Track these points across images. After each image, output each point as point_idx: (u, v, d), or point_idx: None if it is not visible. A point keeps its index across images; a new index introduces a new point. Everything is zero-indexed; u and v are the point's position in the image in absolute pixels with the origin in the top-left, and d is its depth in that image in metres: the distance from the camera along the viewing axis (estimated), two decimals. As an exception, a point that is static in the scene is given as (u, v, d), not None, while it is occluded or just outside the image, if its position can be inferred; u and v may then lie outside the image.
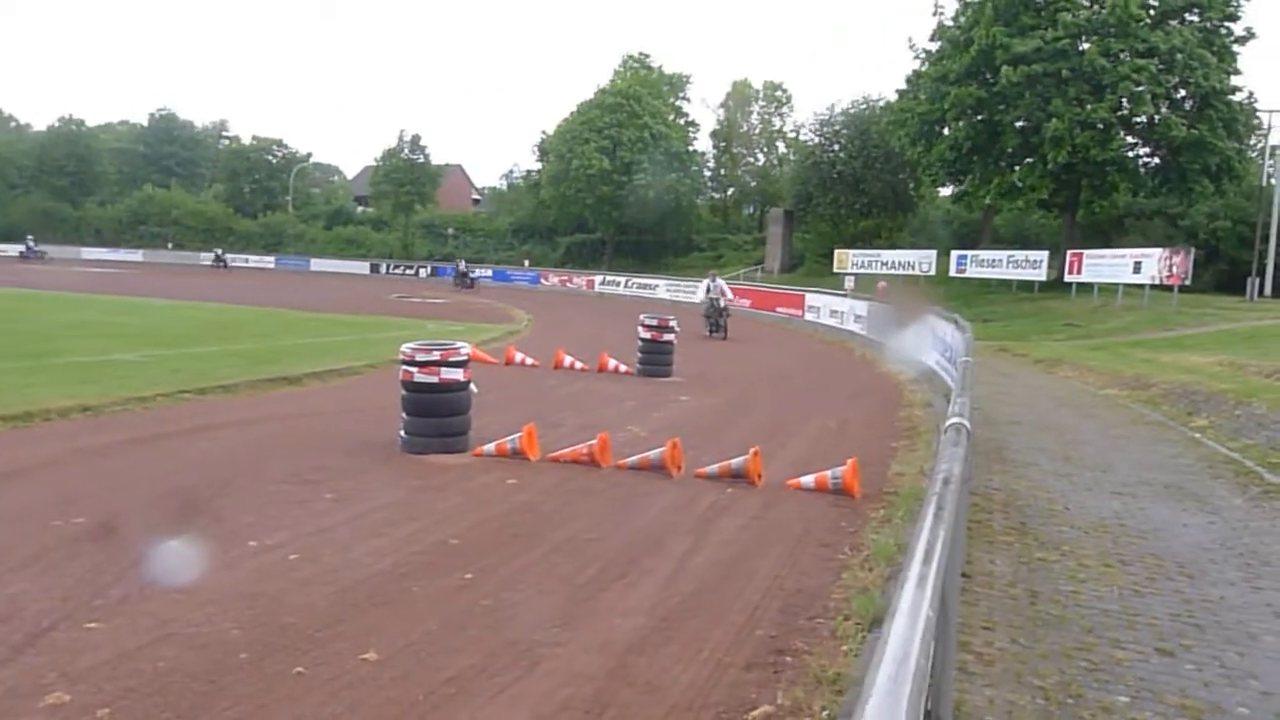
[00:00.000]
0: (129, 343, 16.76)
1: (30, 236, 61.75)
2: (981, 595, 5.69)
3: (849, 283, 37.97)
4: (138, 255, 64.35)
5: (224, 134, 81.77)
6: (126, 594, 5.16)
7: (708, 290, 25.55)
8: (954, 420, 4.45)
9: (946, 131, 39.49)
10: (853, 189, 49.13)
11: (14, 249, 60.36)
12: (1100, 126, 34.87)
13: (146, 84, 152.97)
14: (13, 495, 7.16)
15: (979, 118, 37.55)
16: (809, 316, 31.52)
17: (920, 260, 41.48)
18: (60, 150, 71.96)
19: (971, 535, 6.79)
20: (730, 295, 26.11)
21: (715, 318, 25.03)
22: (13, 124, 77.33)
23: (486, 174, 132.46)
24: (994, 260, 38.91)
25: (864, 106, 50.26)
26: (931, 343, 17.39)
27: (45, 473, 7.90)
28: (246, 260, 63.22)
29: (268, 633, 4.73)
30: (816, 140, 52.54)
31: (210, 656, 4.42)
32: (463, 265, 49.38)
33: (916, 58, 41.11)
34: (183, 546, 5.99)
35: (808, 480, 8.23)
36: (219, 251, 62.13)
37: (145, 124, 78.52)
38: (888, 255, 43.49)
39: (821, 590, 5.72)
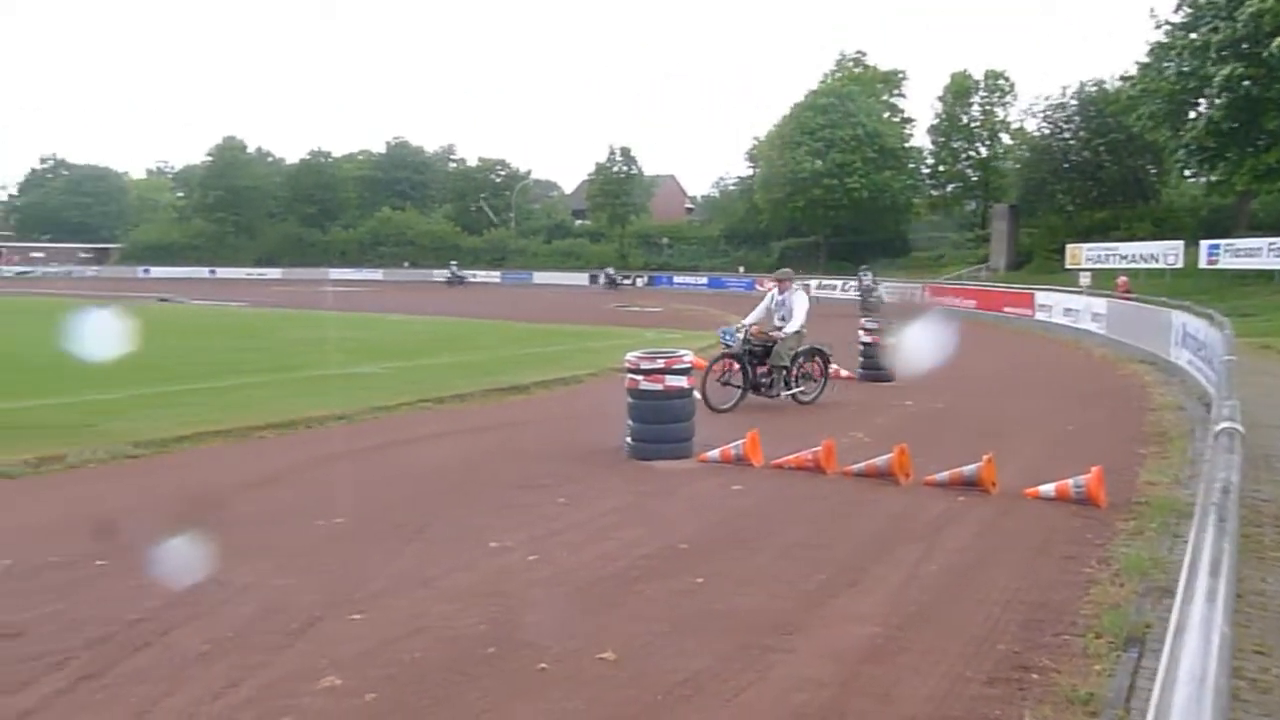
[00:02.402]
0: (369, 356, 18.04)
1: (454, 261, 65.35)
2: (1254, 616, 5.19)
3: (1084, 279, 35.67)
4: (378, 274, 69.14)
5: (451, 157, 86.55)
6: (383, 588, 5.55)
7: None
8: (1225, 425, 4.10)
9: (1200, 110, 36.16)
10: (1087, 178, 46.12)
11: (441, 273, 63.98)
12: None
13: (383, 115, 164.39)
14: (280, 497, 7.85)
15: (1240, 95, 34.18)
16: (1039, 316, 29.88)
17: (1165, 252, 38.39)
18: (309, 180, 78.44)
19: (1240, 550, 6.22)
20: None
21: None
22: (269, 159, 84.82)
23: (700, 183, 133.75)
24: (1252, 249, 35.42)
25: (1096, 89, 47.09)
26: (1181, 339, 16.11)
27: (307, 476, 8.62)
28: (474, 275, 66.34)
29: (510, 629, 4.95)
30: (1045, 128, 49.72)
31: (460, 649, 4.68)
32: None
33: (1158, 28, 38.08)
34: (426, 546, 6.38)
35: (1047, 489, 7.80)
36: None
37: (382, 151, 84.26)
38: (1127, 248, 40.49)
39: (1067, 605, 5.39)
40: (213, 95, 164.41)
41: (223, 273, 71.29)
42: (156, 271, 71.88)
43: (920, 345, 15.54)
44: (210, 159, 79.85)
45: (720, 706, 4.13)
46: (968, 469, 8.10)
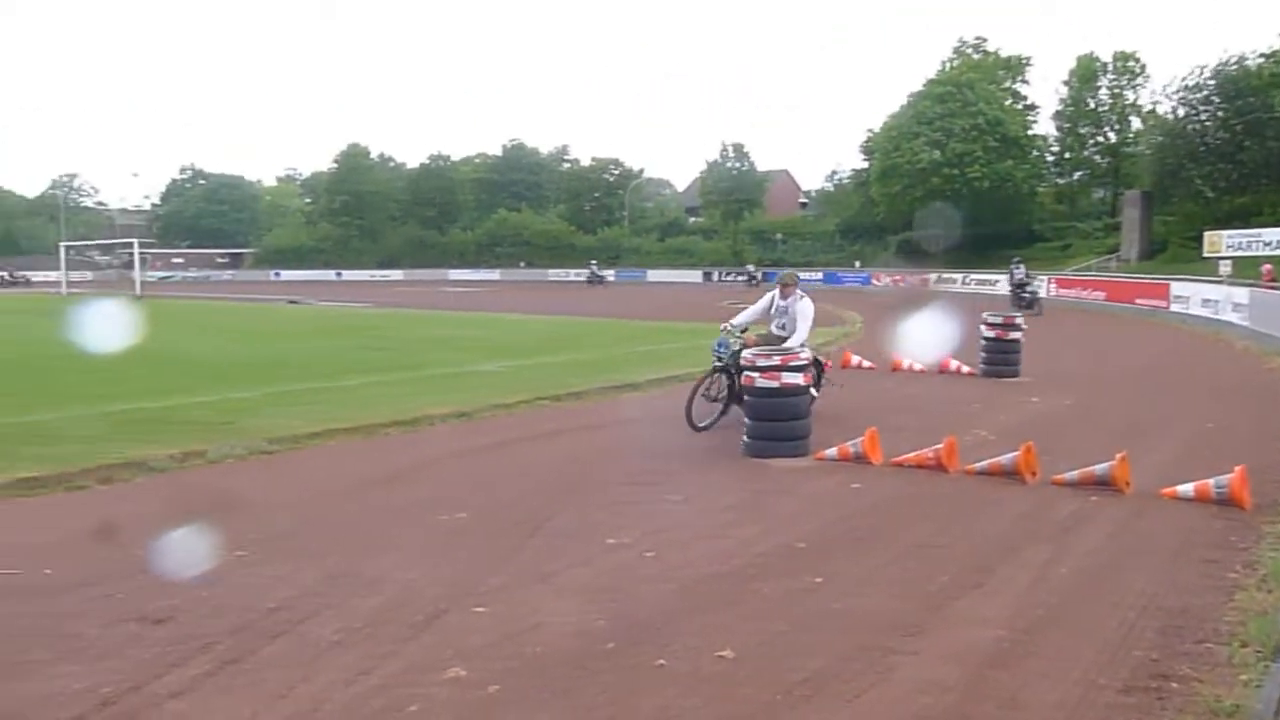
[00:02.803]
0: (487, 354, 18.42)
1: (594, 261, 64.37)
2: None
3: (1224, 267, 33.84)
4: (495, 274, 70.57)
5: (565, 158, 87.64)
6: (505, 583, 5.66)
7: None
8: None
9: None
10: (1226, 161, 43.65)
11: (580, 274, 63.55)
12: None
13: (500, 118, 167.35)
14: (405, 492, 8.08)
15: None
16: (1175, 307, 28.55)
17: (1313, 238, 36.11)
18: (429, 184, 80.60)
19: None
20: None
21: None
22: (390, 164, 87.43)
23: (814, 177, 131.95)
24: None
25: (1236, 66, 44.48)
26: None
27: (430, 472, 8.85)
28: (610, 274, 66.26)
29: (629, 625, 4.98)
30: (1180, 110, 47.29)
31: (580, 644, 4.74)
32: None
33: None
34: (544, 542, 6.49)
35: (1186, 489, 7.43)
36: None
37: (499, 154, 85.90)
38: (1271, 234, 38.15)
39: (1209, 611, 5.13)
40: (338, 104, 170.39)
41: (347, 275, 73.88)
42: (286, 275, 75.04)
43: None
44: (335, 165, 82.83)
45: (841, 707, 4.08)
46: (1099, 468, 7.79)
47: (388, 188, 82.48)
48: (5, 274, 70.30)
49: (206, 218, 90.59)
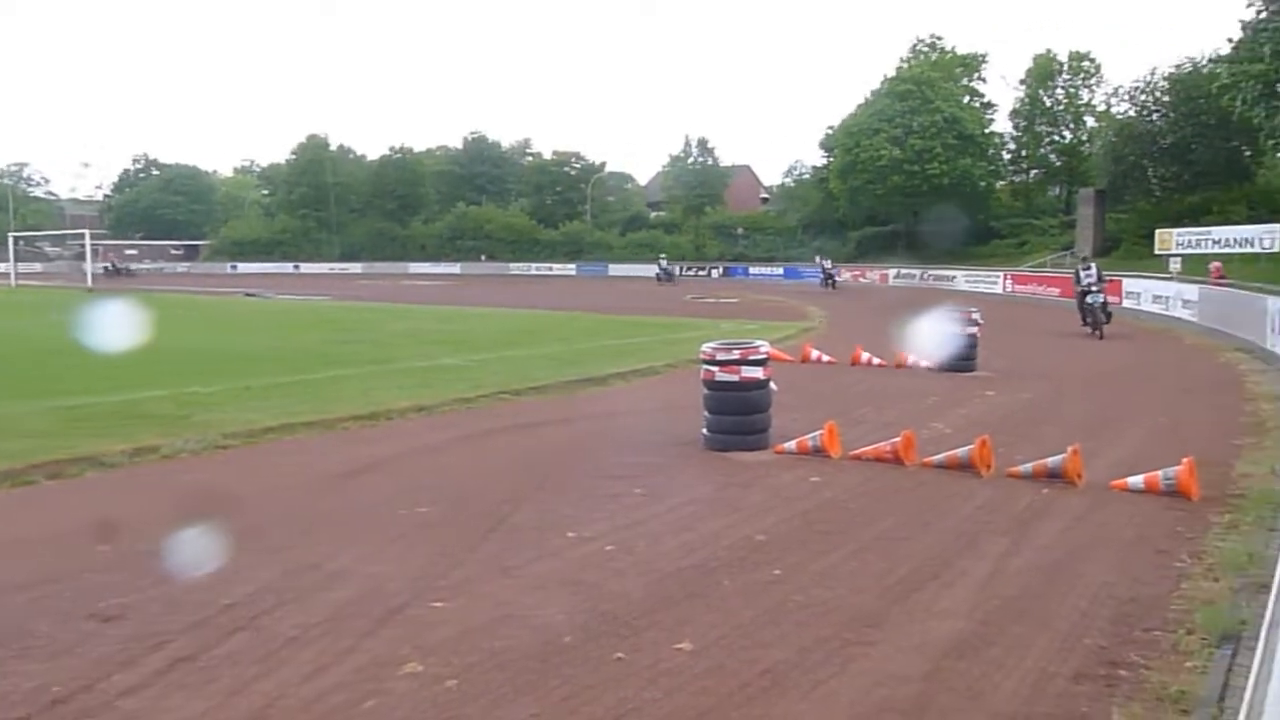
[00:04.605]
0: (454, 348, 18.30)
1: (663, 256, 59.07)
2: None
3: (1175, 265, 34.48)
4: (456, 268, 70.06)
5: (527, 151, 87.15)
6: (467, 577, 5.65)
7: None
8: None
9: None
10: (1177, 161, 44.49)
11: (650, 269, 57.63)
12: None
13: (461, 111, 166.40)
14: (367, 487, 8.03)
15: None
16: (1128, 303, 28.99)
17: (1261, 235, 36.81)
18: (390, 176, 79.74)
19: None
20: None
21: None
22: (351, 156, 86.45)
23: (775, 172, 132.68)
24: (1357, 232, 33.89)
25: (1189, 69, 45.38)
26: (1278, 326, 15.51)
27: (392, 466, 8.79)
28: (550, 269, 65.98)
29: (589, 619, 4.99)
30: (1133, 110, 48.11)
31: (540, 638, 4.74)
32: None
33: (1250, 5, 36.53)
34: (507, 536, 6.48)
35: (1136, 481, 7.58)
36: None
37: (460, 147, 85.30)
38: (1220, 232, 38.93)
39: (1158, 600, 5.25)
40: (297, 94, 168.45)
41: (306, 268, 72.97)
42: (243, 267, 73.89)
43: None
44: (294, 157, 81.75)
45: (799, 699, 4.12)
46: (1052, 460, 7.92)
47: (348, 179, 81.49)
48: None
49: (161, 209, 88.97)
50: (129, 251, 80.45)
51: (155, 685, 4.19)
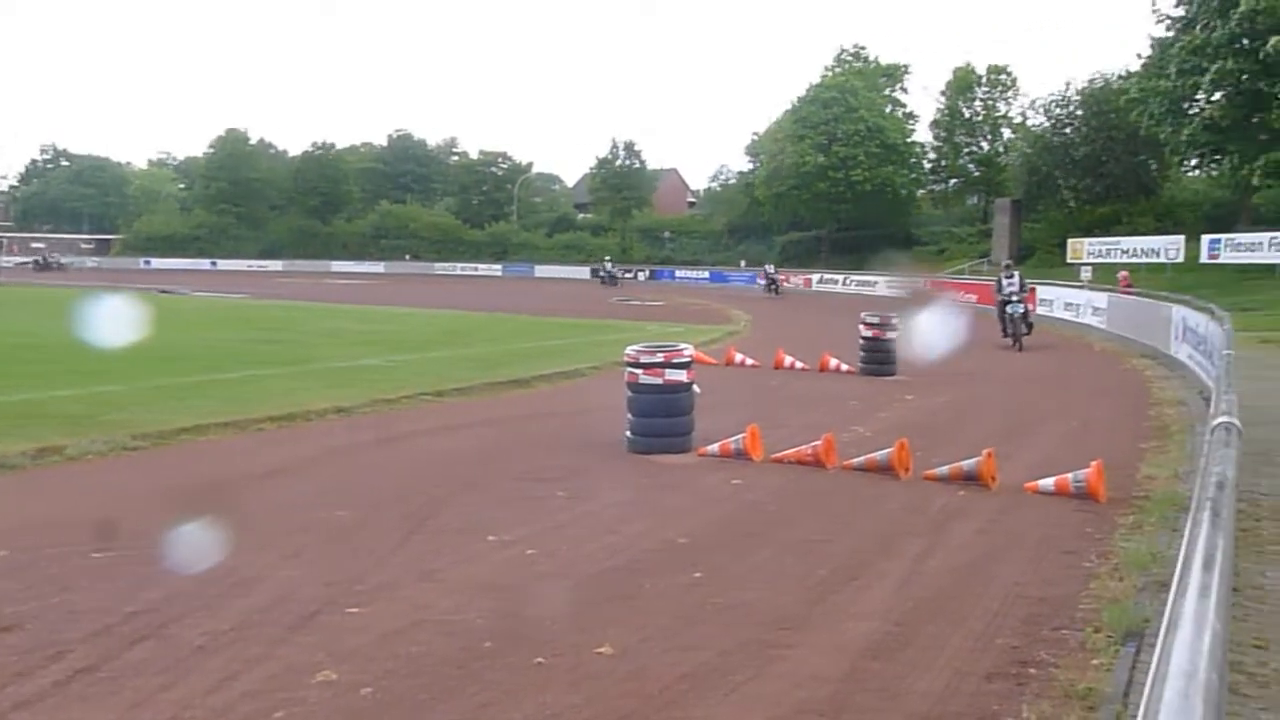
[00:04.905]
0: (375, 349, 18.03)
1: (607, 258, 57.06)
2: (1251, 610, 5.19)
3: (1085, 273, 35.63)
4: (380, 267, 69.07)
5: (454, 150, 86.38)
6: (383, 582, 5.54)
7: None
8: (1222, 419, 4.09)
9: (1199, 108, 36.14)
10: (1089, 173, 46.05)
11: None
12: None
13: (386, 108, 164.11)
14: (281, 489, 7.85)
15: (1238, 92, 34.14)
16: (1041, 310, 29.79)
17: (1166, 246, 38.32)
18: (313, 173, 78.28)
19: (1237, 544, 6.21)
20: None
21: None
22: (272, 150, 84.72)
23: (703, 176, 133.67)
24: (1254, 244, 35.32)
25: (1101, 84, 47.01)
26: (1181, 334, 16.09)
27: (309, 469, 8.61)
28: (475, 269, 65.27)
29: (510, 623, 4.95)
30: (1048, 123, 49.65)
31: (459, 643, 4.68)
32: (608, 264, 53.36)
33: (1160, 22, 37.94)
34: (427, 540, 6.38)
35: (1047, 483, 7.79)
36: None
37: (385, 144, 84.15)
38: (1128, 242, 40.41)
39: (1067, 600, 5.39)
40: (216, 86, 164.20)
41: (225, 265, 71.21)
42: (158, 263, 71.74)
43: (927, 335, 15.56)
44: (212, 150, 79.76)
45: (719, 702, 4.13)
46: (967, 464, 8.09)
47: (269, 175, 79.76)
48: None
49: (71, 201, 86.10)
50: (35, 245, 77.62)
51: (53, 697, 4.03)
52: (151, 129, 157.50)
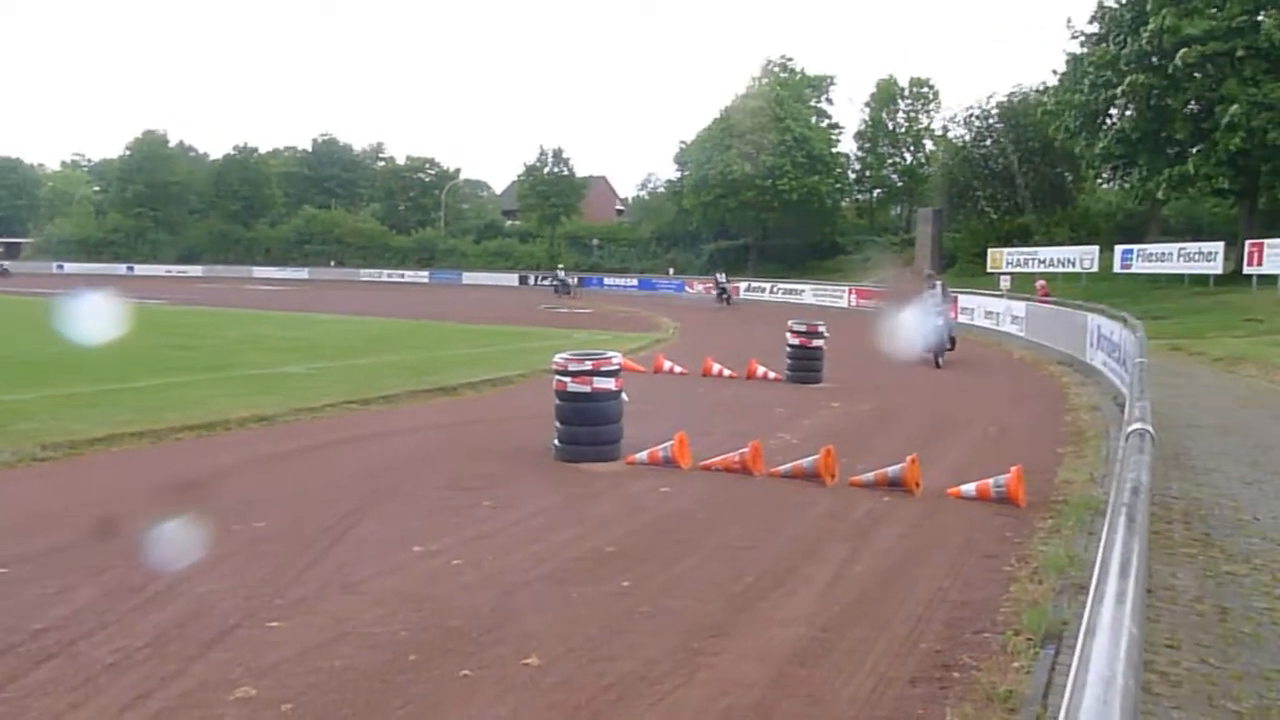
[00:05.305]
0: (298, 356, 17.68)
1: (560, 265, 55.43)
2: (1164, 611, 5.35)
3: (1004, 282, 36.56)
4: (304, 273, 67.82)
5: (380, 155, 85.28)
6: (304, 595, 5.42)
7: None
8: (1136, 426, 4.20)
9: (1111, 121, 37.43)
10: (1007, 184, 47.36)
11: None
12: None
13: (311, 112, 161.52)
14: (197, 500, 7.60)
15: (1148, 106, 35.44)
16: (962, 318, 30.45)
17: (1081, 256, 39.53)
18: (234, 176, 76.56)
19: (1150, 547, 6.40)
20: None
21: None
22: (192, 153, 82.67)
23: (631, 184, 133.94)
24: (1163, 254, 36.68)
25: (1019, 97, 48.37)
26: (1096, 341, 16.58)
27: (227, 479, 8.37)
28: (409, 275, 64.44)
29: (435, 635, 4.87)
30: (968, 135, 50.91)
31: (382, 656, 4.59)
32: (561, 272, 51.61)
33: (1074, 38, 39.19)
34: (349, 551, 6.26)
35: (969, 488, 7.95)
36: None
37: (309, 149, 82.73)
38: (1045, 252, 41.60)
39: (988, 603, 5.50)
40: (133, 87, 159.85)
41: (142, 269, 69.24)
42: (71, 267, 69.44)
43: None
44: (129, 152, 77.48)
45: (646, 710, 4.11)
46: (892, 470, 8.21)
47: (188, 178, 77.76)
48: None
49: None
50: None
51: (-49, 721, 3.85)
52: (65, 130, 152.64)
